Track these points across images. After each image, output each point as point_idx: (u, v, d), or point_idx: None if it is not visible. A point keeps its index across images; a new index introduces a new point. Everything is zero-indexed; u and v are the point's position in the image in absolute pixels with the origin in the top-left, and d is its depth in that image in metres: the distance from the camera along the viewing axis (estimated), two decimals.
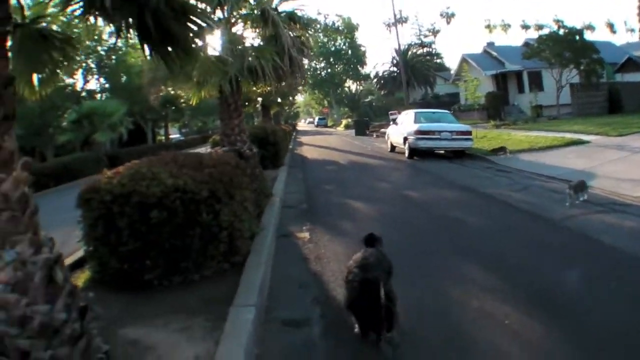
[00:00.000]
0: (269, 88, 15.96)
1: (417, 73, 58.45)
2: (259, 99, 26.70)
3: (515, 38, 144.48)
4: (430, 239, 7.74)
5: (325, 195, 12.48)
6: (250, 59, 10.97)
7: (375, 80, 69.52)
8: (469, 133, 19.51)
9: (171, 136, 54.38)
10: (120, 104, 30.63)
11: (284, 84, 14.96)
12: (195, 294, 5.13)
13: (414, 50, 67.56)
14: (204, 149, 44.91)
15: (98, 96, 36.92)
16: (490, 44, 47.29)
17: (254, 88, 14.90)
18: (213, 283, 5.44)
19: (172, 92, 39.33)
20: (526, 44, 40.49)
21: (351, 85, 79.37)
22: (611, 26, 79.76)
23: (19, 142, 3.35)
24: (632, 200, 9.44)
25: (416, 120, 20.07)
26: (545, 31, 36.10)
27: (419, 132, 19.03)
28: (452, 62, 68.06)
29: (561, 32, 32.39)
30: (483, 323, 4.51)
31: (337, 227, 8.71)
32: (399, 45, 52.35)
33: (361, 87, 77.69)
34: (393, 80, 61.87)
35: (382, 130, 34.01)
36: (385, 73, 65.79)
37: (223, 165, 6.37)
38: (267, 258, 6.34)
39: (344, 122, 64.18)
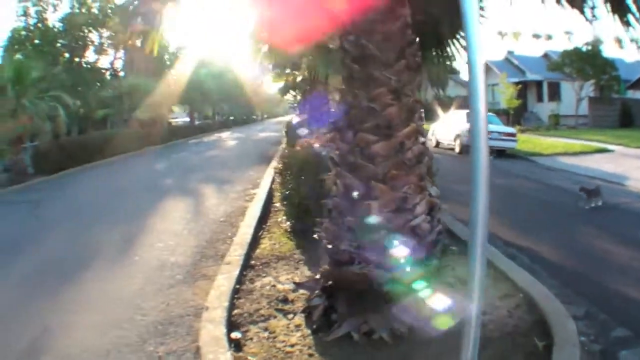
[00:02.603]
0: None
1: (429, 74, 61.74)
2: None
3: (529, 46, 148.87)
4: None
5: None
6: None
7: None
8: (514, 135, 23.10)
9: (177, 119, 57.64)
10: (159, 83, 33.69)
11: None
12: None
13: None
14: (227, 134, 47.70)
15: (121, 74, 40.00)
16: (511, 52, 50.57)
17: None
18: None
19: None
20: (545, 55, 44.01)
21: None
22: (619, 41, 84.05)
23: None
24: None
25: (468, 120, 23.61)
26: (556, 42, 39.92)
27: None
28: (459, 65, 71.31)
29: (584, 48, 36.43)
30: None
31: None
32: None
33: None
34: None
35: None
36: None
37: None
38: None
39: None
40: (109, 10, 35.10)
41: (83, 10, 34.90)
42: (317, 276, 5.37)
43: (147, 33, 6.30)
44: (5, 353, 4.83)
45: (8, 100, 19.56)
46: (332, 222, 4.93)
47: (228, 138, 44.06)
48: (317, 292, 5.04)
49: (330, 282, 4.84)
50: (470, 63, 2.34)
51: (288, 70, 17.79)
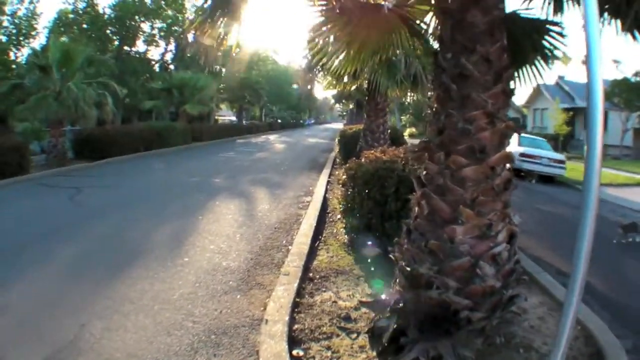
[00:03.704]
0: (411, 94, 19.27)
1: None
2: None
3: (578, 72, 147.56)
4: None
5: None
6: (415, 66, 13.31)
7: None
8: (564, 162, 22.76)
9: (224, 117, 58.50)
10: (211, 79, 34.11)
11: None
12: None
13: None
14: (275, 136, 48.32)
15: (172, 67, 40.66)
16: (562, 78, 50.20)
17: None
18: None
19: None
20: None
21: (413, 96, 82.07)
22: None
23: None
24: None
25: (520, 144, 23.21)
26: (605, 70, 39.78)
27: (524, 155, 22.15)
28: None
29: (633, 79, 35.92)
30: None
31: None
32: None
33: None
34: None
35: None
36: None
37: None
38: None
39: (408, 130, 67.05)
40: (162, 2, 35.65)
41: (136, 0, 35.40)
42: (383, 296, 5.30)
43: (228, 27, 6.28)
44: (46, 350, 4.73)
45: (53, 81, 19.85)
46: (412, 244, 4.80)
47: (276, 141, 44.26)
48: (385, 313, 4.88)
49: (401, 305, 4.69)
50: (590, 79, 2.58)
51: (346, 79, 17.69)
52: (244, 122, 54.66)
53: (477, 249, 4.52)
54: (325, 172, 19.24)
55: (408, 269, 4.68)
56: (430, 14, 6.17)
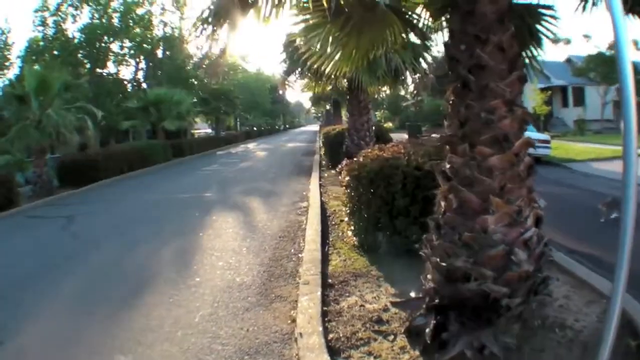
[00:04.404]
0: (384, 89, 19.38)
1: None
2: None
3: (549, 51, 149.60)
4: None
5: None
6: (395, 60, 13.48)
7: (412, 86, 73.01)
8: (549, 142, 23.02)
9: (199, 131, 58.30)
10: (187, 93, 34.02)
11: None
12: None
13: None
14: (253, 144, 48.39)
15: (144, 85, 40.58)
16: (534, 57, 50.97)
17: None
18: None
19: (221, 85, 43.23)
20: (568, 60, 45.06)
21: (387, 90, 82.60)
22: (636, 43, 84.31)
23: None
24: None
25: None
26: (575, 46, 40.72)
27: None
28: None
29: (608, 52, 36.33)
30: None
31: None
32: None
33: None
34: (424, 88, 65.53)
35: (434, 135, 37.55)
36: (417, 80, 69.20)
37: None
38: None
39: (387, 125, 67.30)
40: (130, 21, 35.63)
41: (103, 21, 35.28)
42: (412, 294, 5.49)
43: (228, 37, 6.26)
44: None
45: (31, 111, 19.62)
46: (444, 239, 4.79)
47: (256, 149, 44.36)
48: (420, 311, 4.93)
49: (437, 300, 4.74)
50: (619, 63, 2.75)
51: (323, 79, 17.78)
52: (221, 133, 54.54)
53: (509, 236, 4.55)
54: (315, 175, 19.19)
55: (443, 264, 4.67)
56: (421, 5, 6.25)
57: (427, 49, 9.71)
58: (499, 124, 4.60)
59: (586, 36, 67.88)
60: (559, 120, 44.18)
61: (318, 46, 6.36)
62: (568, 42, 56.95)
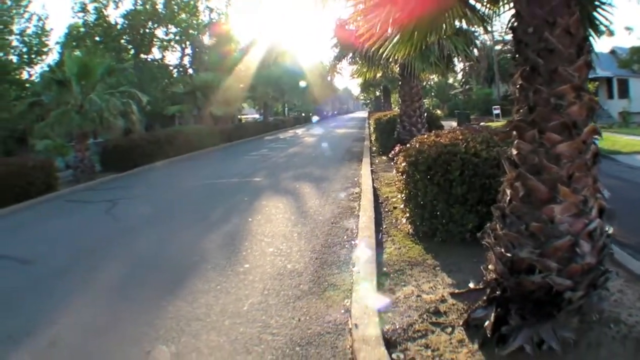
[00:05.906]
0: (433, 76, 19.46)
1: (501, 69, 61.35)
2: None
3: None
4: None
5: None
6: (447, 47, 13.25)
7: (461, 74, 72.31)
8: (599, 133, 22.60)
9: (247, 116, 58.84)
10: (233, 79, 34.21)
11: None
12: None
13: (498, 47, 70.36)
14: (302, 130, 48.70)
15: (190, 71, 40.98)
16: None
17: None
18: None
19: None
20: (613, 52, 44.57)
21: (435, 78, 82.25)
22: None
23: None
24: None
25: None
26: (618, 38, 40.49)
27: None
28: None
29: None
30: None
31: None
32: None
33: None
34: (477, 75, 64.84)
35: (482, 123, 37.24)
36: (467, 68, 68.59)
37: None
38: None
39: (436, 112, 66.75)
40: (175, 7, 35.95)
41: (147, 7, 35.63)
42: (471, 285, 5.38)
43: None
44: None
45: (73, 95, 19.93)
46: (509, 228, 4.67)
47: (305, 135, 44.43)
48: (480, 303, 4.85)
49: (499, 292, 4.67)
50: None
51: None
52: (269, 118, 54.72)
53: (575, 227, 4.48)
54: (366, 161, 19.10)
55: (508, 254, 4.57)
56: None
57: (487, 32, 9.62)
58: (568, 109, 4.51)
59: (628, 28, 65.94)
60: (604, 111, 43.49)
61: (377, 27, 6.20)
62: (611, 33, 55.84)
